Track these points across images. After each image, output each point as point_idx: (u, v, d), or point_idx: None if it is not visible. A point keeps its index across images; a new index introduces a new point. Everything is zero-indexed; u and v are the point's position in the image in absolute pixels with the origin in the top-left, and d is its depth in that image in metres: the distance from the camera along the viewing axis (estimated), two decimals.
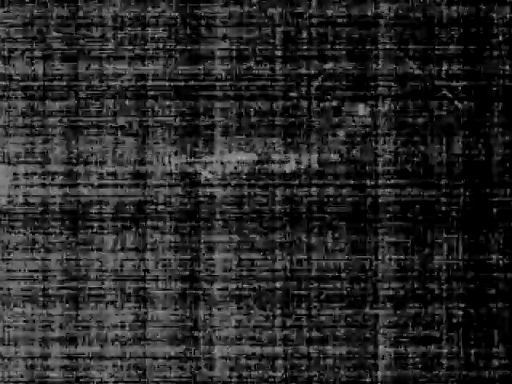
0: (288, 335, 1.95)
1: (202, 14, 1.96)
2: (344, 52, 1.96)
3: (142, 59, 1.95)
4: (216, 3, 1.96)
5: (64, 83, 1.95)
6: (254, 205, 1.95)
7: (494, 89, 1.96)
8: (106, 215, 1.95)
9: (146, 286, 1.95)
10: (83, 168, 1.95)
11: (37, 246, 1.95)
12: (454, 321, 1.96)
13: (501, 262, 1.96)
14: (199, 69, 1.96)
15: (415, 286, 1.96)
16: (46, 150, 1.95)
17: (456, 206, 1.95)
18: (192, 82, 1.96)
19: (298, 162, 1.95)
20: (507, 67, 1.96)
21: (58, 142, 1.95)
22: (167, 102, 1.95)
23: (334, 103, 1.95)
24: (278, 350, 1.95)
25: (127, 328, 1.94)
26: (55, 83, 1.95)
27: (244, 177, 1.95)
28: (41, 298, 1.94)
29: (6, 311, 1.95)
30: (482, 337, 1.96)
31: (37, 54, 1.95)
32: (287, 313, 1.95)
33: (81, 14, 1.96)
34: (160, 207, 1.95)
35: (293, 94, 1.95)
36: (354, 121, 1.95)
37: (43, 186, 1.95)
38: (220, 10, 1.96)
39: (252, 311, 1.95)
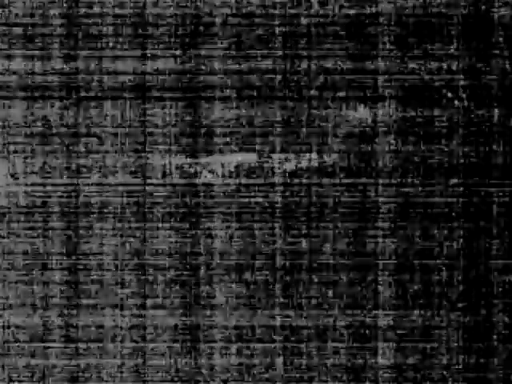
0: None
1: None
2: (344, 51, 1.95)
3: (143, 57, 1.95)
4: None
5: (64, 82, 1.95)
6: (253, 204, 1.95)
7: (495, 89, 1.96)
8: (107, 215, 1.95)
9: (146, 286, 1.96)
10: (83, 168, 1.95)
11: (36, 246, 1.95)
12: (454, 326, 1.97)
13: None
14: (200, 68, 1.95)
15: (415, 287, 1.97)
16: (46, 149, 1.95)
17: (455, 205, 1.96)
18: (192, 82, 1.95)
19: (298, 162, 1.95)
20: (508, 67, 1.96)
21: (57, 142, 1.95)
22: (167, 102, 1.95)
23: (334, 103, 1.95)
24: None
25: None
26: (55, 82, 1.95)
27: (244, 176, 1.95)
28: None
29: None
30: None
31: (36, 52, 1.94)
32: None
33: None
34: (160, 207, 1.95)
35: (292, 94, 1.95)
36: (353, 121, 1.95)
37: (43, 185, 1.95)
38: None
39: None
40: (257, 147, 1.95)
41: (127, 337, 1.94)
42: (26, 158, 1.94)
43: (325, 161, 1.95)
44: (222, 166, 1.94)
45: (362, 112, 1.95)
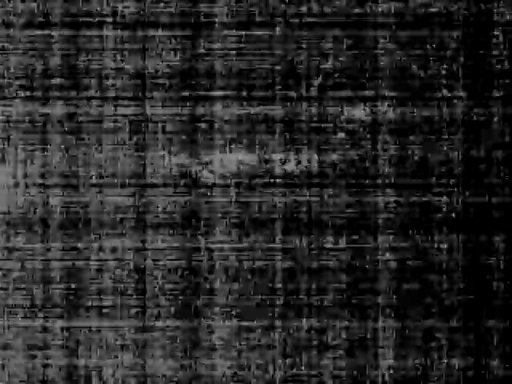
0: None
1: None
2: (344, 51, 1.96)
3: (142, 56, 1.96)
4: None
5: (64, 82, 1.95)
6: (254, 205, 1.95)
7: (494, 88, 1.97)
8: (106, 215, 1.95)
9: (145, 290, 1.96)
10: (83, 168, 1.95)
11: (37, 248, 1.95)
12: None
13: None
14: (199, 66, 1.96)
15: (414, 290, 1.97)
16: (46, 152, 1.95)
17: (455, 209, 1.96)
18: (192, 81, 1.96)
19: (298, 162, 1.95)
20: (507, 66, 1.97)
21: (57, 143, 1.95)
22: (166, 101, 1.96)
23: (334, 103, 1.96)
24: None
25: None
26: (54, 82, 1.95)
27: (244, 176, 1.95)
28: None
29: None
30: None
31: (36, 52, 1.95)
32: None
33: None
34: (160, 208, 1.95)
35: (292, 94, 1.95)
36: (353, 121, 1.95)
37: (43, 187, 1.95)
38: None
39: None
40: (257, 147, 1.96)
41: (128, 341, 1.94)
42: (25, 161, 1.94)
43: (325, 161, 1.95)
44: (222, 165, 1.95)
45: (362, 111, 1.95)
